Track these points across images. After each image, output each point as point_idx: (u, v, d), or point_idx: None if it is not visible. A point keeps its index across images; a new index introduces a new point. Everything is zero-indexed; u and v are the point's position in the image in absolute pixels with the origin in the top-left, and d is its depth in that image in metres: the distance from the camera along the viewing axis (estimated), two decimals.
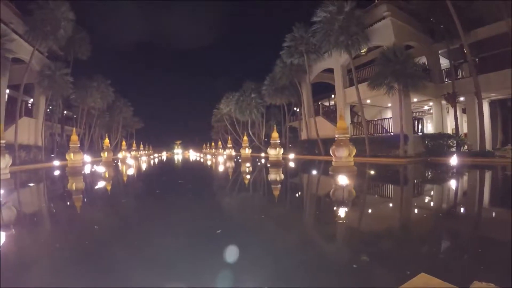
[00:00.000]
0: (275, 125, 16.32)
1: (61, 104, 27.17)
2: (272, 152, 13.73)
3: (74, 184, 9.26)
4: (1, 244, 3.18)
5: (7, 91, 20.14)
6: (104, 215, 4.99)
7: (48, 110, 24.95)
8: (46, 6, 18.54)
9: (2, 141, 7.71)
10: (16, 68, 19.91)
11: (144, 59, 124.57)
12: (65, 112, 31.28)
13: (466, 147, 17.39)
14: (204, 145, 50.40)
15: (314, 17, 18.61)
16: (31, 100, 24.76)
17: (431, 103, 21.54)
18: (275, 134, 13.90)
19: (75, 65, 26.96)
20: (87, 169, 14.14)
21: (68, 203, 6.30)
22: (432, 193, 7.04)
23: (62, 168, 14.95)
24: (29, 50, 19.36)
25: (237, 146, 29.24)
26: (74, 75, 24.27)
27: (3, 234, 3.53)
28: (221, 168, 15.15)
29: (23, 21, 19.31)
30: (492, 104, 19.57)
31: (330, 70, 24.00)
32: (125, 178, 11.78)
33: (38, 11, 18.47)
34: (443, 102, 19.80)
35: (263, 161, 19.21)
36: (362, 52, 23.19)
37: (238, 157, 21.88)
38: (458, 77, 19.44)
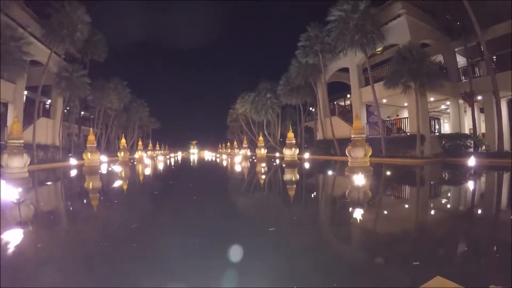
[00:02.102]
0: (290, 125, 16.21)
1: (78, 105, 27.66)
2: (287, 152, 13.71)
3: (91, 183, 9.45)
4: (19, 241, 3.27)
5: (25, 92, 20.70)
6: (119, 214, 5.05)
7: (66, 111, 25.42)
8: (63, 9, 18.87)
9: (21, 141, 7.93)
10: (34, 70, 20.37)
11: (160, 59, 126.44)
12: (82, 112, 31.92)
13: (484, 147, 16.97)
14: (219, 145, 50.63)
15: (329, 16, 18.37)
16: (49, 101, 25.37)
17: (448, 102, 21.11)
18: (290, 134, 13.89)
19: (92, 66, 27.63)
20: (103, 169, 14.37)
21: (85, 201, 6.43)
22: (449, 195, 6.88)
23: (79, 167, 15.25)
24: (47, 53, 19.79)
25: (253, 146, 29.23)
26: (91, 76, 24.65)
27: (20, 231, 3.63)
28: (237, 168, 15.18)
29: (40, 24, 19.72)
30: (510, 103, 19.02)
31: (345, 70, 23.77)
32: (141, 178, 11.94)
33: (55, 15, 18.81)
34: (461, 101, 19.38)
35: (278, 161, 19.19)
36: (378, 51, 22.95)
37: (254, 157, 21.91)
38: (476, 75, 18.98)
